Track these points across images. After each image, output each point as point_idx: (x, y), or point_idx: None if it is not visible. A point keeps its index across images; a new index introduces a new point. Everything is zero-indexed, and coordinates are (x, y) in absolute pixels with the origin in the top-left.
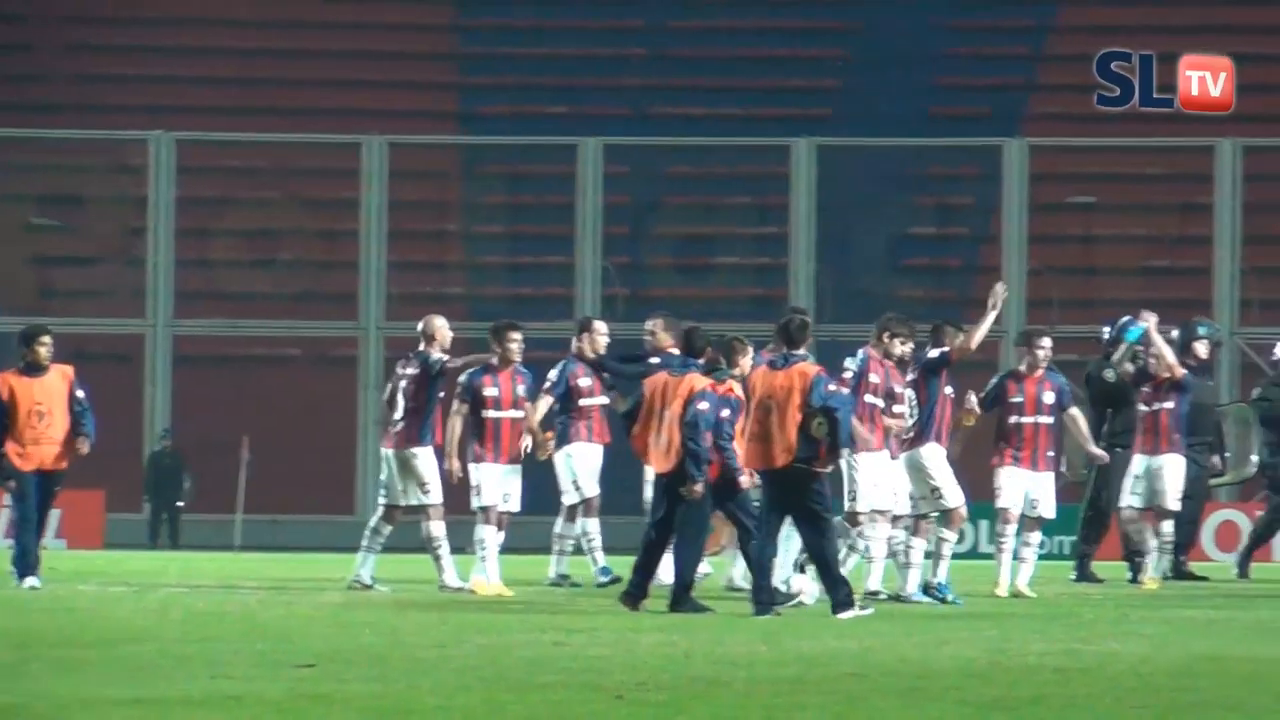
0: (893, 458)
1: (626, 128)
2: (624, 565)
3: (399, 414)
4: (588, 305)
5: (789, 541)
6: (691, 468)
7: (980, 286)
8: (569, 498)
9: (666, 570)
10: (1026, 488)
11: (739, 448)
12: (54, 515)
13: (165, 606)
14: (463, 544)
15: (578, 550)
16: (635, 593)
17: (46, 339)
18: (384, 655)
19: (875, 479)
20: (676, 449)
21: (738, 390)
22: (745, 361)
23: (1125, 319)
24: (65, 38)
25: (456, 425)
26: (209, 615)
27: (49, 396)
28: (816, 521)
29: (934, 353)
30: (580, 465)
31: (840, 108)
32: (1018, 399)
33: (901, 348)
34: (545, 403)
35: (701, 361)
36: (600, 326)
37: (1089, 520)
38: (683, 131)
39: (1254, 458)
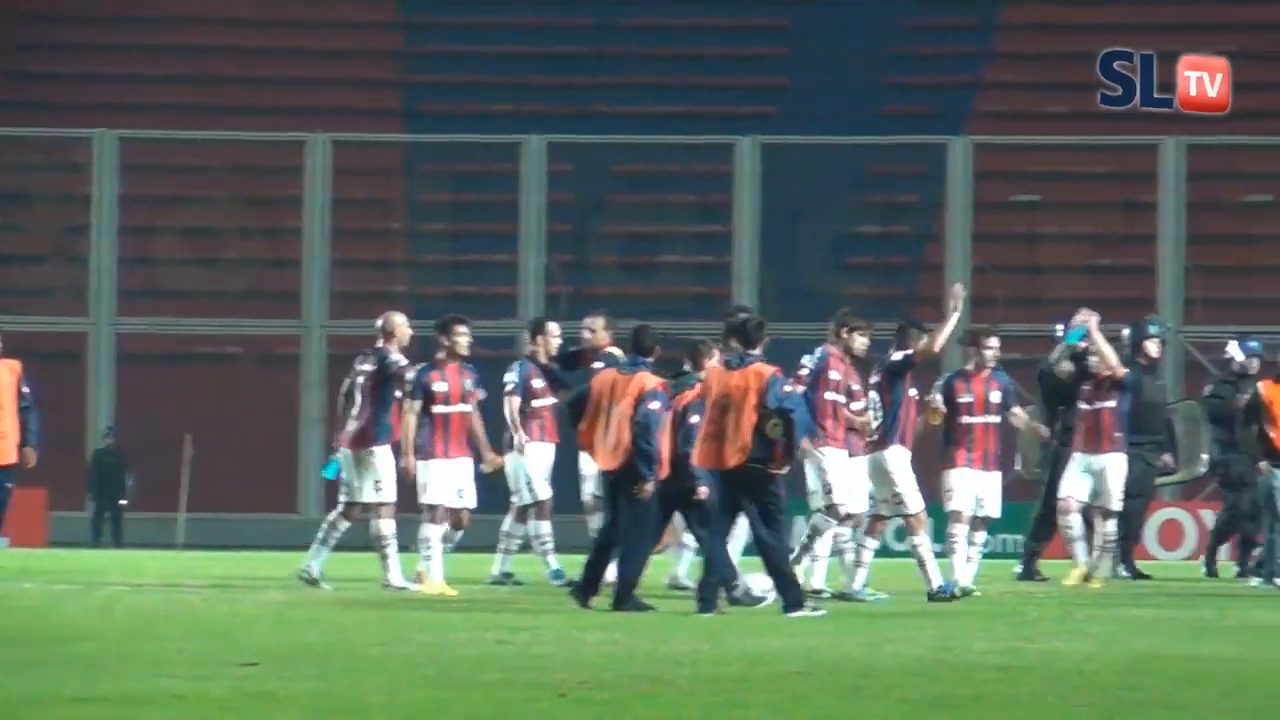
0: (851, 455)
1: (571, 126)
2: (573, 565)
3: (356, 410)
4: (532, 303)
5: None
6: (642, 468)
7: (925, 284)
8: (520, 498)
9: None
10: (975, 489)
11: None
12: None
13: (109, 605)
14: (413, 543)
15: (524, 549)
16: (586, 588)
17: None
18: (328, 653)
19: (841, 473)
20: (625, 447)
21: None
22: (712, 365)
23: (1077, 319)
24: (8, 36)
25: (411, 422)
26: (153, 613)
27: None
28: (770, 522)
29: (898, 355)
30: (533, 465)
31: (785, 106)
32: (966, 399)
33: (861, 340)
34: (513, 403)
35: (650, 360)
36: (553, 328)
37: (1041, 518)
38: (627, 129)
39: (1204, 456)
